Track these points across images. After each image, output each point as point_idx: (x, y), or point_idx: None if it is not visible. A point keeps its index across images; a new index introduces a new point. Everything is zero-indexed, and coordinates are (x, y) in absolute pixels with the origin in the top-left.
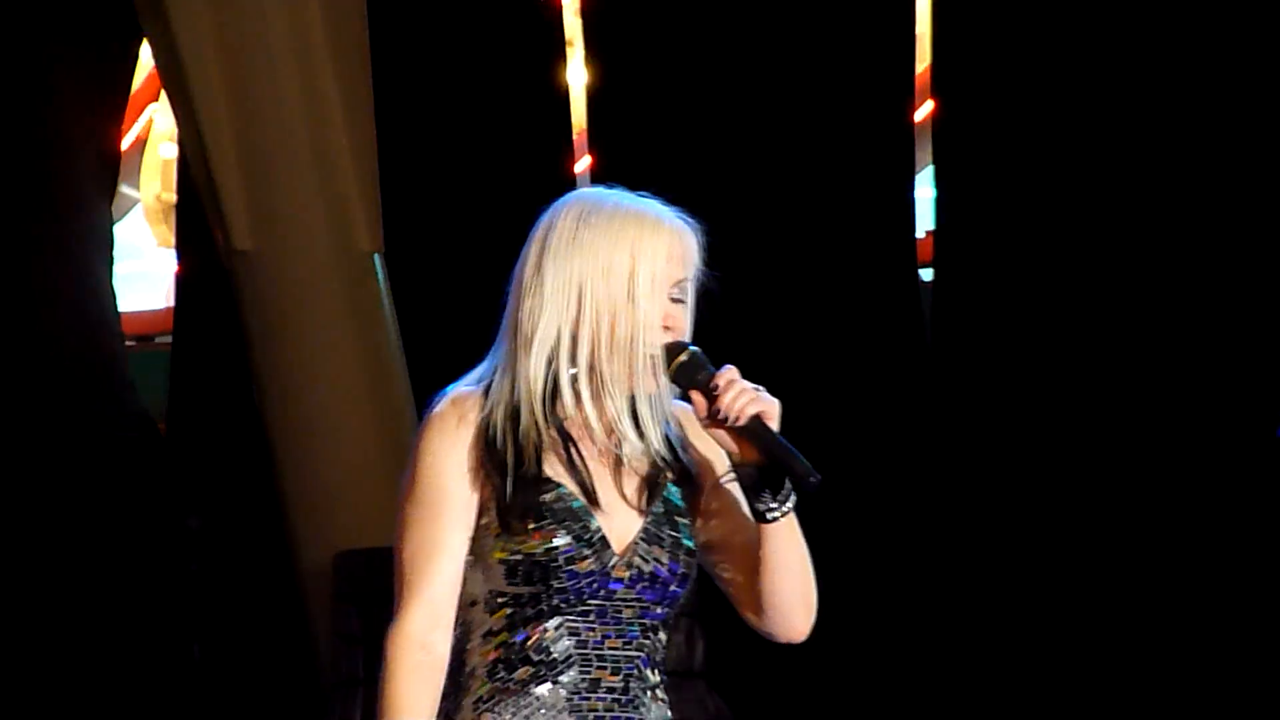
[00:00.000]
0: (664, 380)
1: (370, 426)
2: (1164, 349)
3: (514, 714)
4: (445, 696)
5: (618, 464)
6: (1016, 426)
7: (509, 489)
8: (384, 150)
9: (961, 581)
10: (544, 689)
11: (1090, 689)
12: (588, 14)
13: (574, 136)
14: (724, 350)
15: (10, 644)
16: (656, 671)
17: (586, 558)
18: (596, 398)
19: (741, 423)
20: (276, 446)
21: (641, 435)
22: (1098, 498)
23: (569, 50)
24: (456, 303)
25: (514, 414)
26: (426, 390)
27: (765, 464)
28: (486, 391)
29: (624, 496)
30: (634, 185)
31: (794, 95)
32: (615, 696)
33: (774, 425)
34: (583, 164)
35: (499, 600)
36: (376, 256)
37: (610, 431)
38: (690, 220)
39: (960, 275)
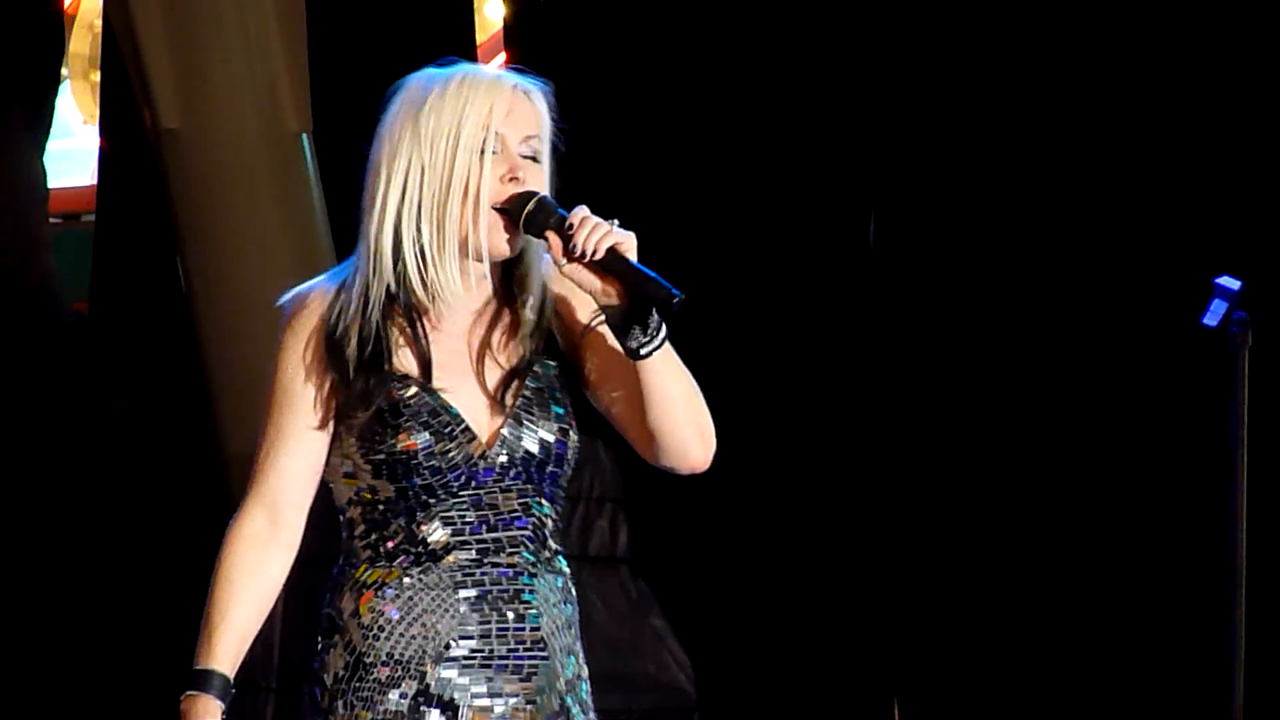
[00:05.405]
0: (519, 242)
1: None
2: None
3: (397, 595)
4: (328, 592)
5: (482, 349)
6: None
7: (357, 387)
8: (313, 30)
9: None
10: (426, 573)
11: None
12: None
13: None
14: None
15: None
16: (548, 546)
17: (450, 451)
18: (443, 265)
19: (599, 256)
20: (201, 330)
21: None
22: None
23: None
24: None
25: (365, 303)
26: None
27: (630, 299)
28: (340, 288)
29: (489, 382)
30: (571, 83)
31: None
32: (502, 571)
33: (631, 257)
34: (497, 61)
35: (370, 498)
36: (305, 137)
37: (476, 313)
38: (539, 81)
39: None
